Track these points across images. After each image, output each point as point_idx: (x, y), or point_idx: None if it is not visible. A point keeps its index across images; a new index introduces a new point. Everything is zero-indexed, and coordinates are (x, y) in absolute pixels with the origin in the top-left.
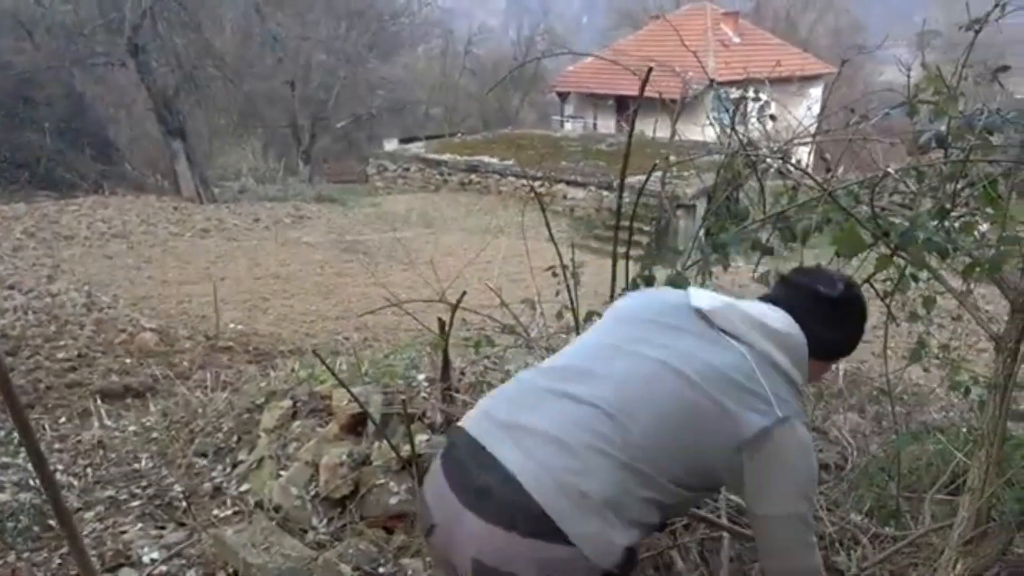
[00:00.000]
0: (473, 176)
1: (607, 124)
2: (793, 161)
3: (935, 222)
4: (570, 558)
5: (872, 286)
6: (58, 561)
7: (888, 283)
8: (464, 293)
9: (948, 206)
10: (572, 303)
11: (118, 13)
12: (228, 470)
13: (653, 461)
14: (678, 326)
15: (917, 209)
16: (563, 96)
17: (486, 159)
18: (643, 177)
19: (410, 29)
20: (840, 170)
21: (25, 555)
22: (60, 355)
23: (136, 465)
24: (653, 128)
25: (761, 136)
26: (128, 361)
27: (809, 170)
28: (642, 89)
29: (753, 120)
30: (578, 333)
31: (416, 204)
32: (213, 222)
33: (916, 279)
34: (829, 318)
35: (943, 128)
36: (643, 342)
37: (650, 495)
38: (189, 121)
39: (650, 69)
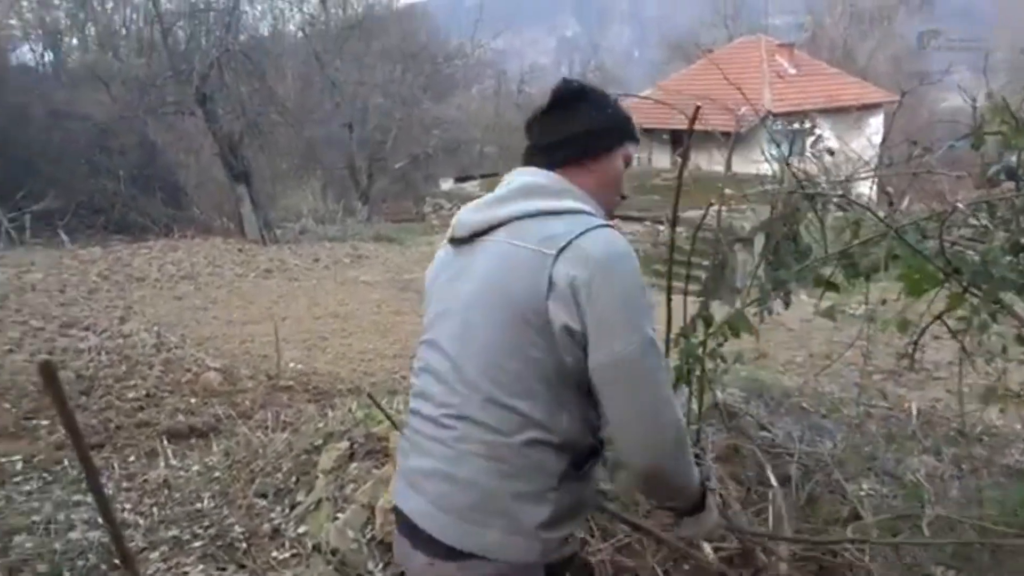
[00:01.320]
0: None
1: (662, 159)
2: (854, 195)
3: (1009, 257)
4: (496, 571)
5: (946, 324)
6: None
7: (962, 321)
8: None
9: (1022, 241)
10: None
11: (188, 65)
12: (287, 511)
13: (503, 392)
14: (455, 275)
15: (989, 244)
16: None
17: None
18: (699, 212)
19: (463, 70)
20: (904, 203)
21: None
22: (130, 395)
23: (199, 505)
24: (709, 162)
25: (820, 169)
26: (193, 401)
27: (871, 204)
28: (690, 127)
29: (810, 153)
30: None
31: None
32: (275, 263)
33: (995, 318)
34: (555, 120)
35: (1013, 160)
36: (446, 313)
37: (530, 437)
38: (253, 165)
39: (698, 107)
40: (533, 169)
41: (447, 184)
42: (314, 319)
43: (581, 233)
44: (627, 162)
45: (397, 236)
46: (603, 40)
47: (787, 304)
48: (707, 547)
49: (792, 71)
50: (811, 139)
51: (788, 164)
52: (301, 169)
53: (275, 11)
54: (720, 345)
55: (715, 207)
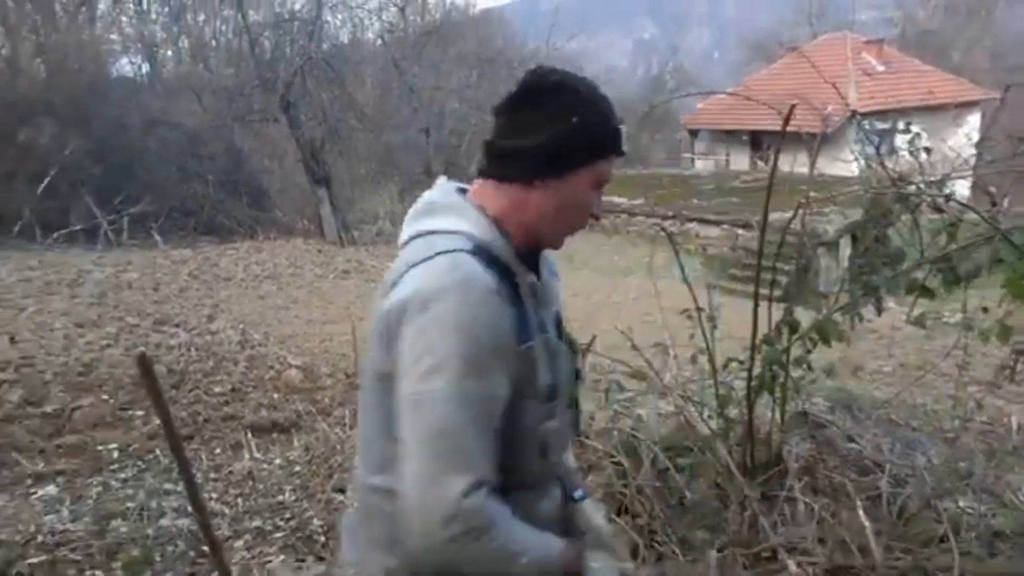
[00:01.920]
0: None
1: (740, 161)
2: (950, 194)
3: None
4: None
5: None
6: None
7: None
8: (595, 337)
9: None
10: (708, 347)
11: (273, 73)
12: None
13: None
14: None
15: None
16: (694, 133)
17: (614, 199)
18: (780, 215)
19: None
20: (1006, 203)
21: None
22: (217, 389)
23: (280, 497)
24: (792, 164)
25: (913, 169)
26: (275, 396)
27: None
28: (784, 126)
29: (904, 152)
30: (715, 379)
31: None
32: (353, 264)
33: None
34: (516, 121)
35: None
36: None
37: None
38: (333, 170)
39: (793, 106)
40: (441, 182)
41: None
42: None
43: (417, 263)
44: (600, 182)
45: None
46: (681, 42)
47: (879, 311)
48: None
49: (880, 68)
50: (908, 137)
51: (883, 164)
52: (379, 173)
53: (355, 20)
54: (808, 352)
55: (797, 209)
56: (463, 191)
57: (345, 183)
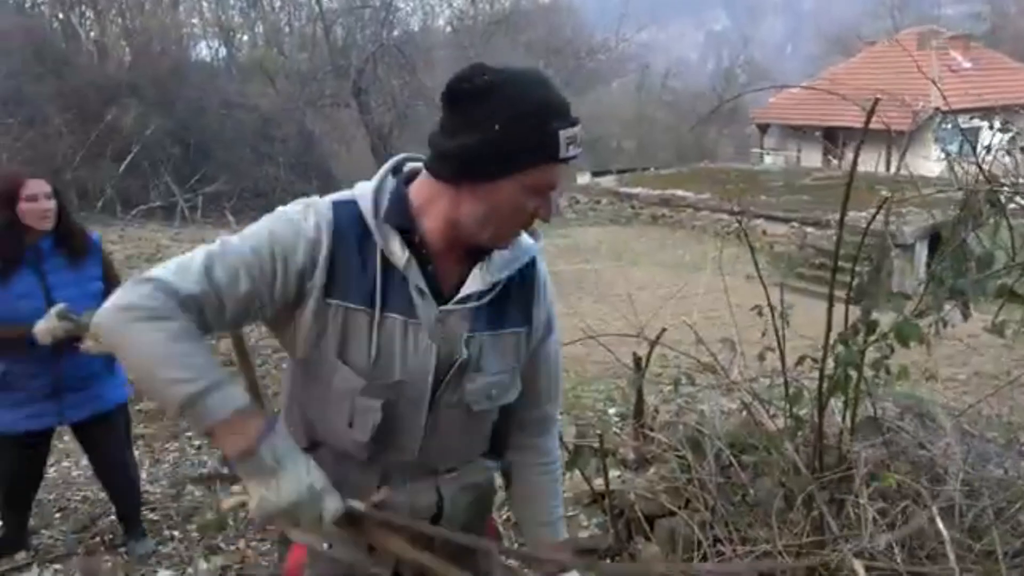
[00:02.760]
0: (665, 210)
1: (812, 157)
2: None
3: None
4: None
5: None
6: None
7: None
8: (664, 330)
9: None
10: (779, 345)
11: (345, 60)
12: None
13: None
14: None
15: None
16: (764, 128)
17: (680, 192)
18: (854, 214)
19: (606, 65)
20: None
21: (253, 544)
22: (285, 365)
23: None
24: (876, 162)
25: (1006, 170)
26: None
27: None
28: (868, 122)
29: (996, 152)
30: (784, 377)
31: (607, 236)
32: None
33: None
34: (447, 122)
35: None
36: None
37: None
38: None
39: (876, 100)
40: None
41: (584, 178)
42: None
43: None
44: (538, 189)
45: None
46: (755, 34)
47: (966, 316)
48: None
49: (967, 65)
50: (1007, 136)
51: (979, 165)
52: None
53: (425, 7)
54: (886, 357)
55: (870, 209)
56: (408, 177)
57: None
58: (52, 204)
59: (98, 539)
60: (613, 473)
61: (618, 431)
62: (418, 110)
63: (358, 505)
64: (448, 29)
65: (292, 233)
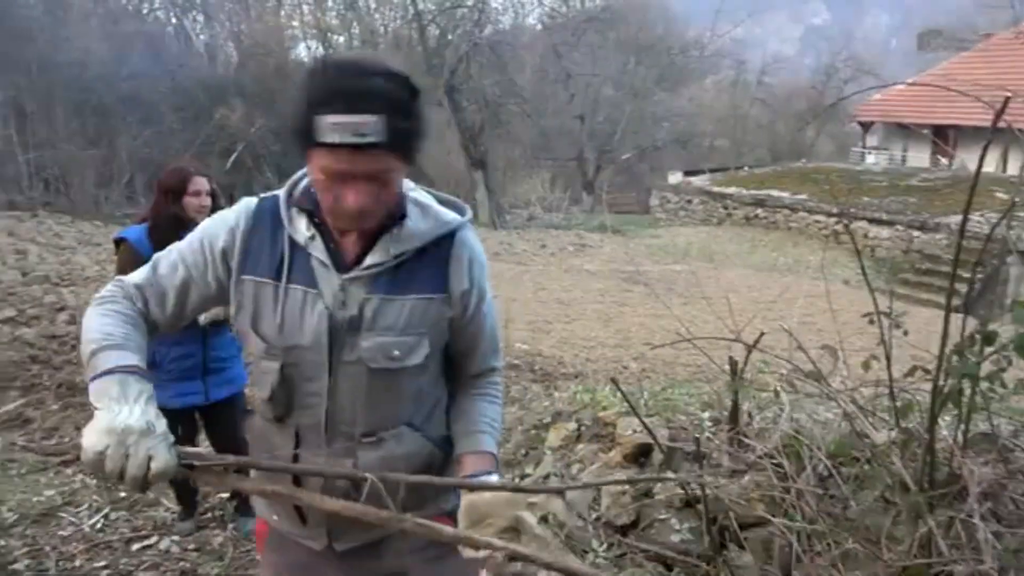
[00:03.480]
0: (759, 210)
1: (919, 156)
2: None
3: None
4: None
5: None
6: None
7: None
8: (762, 334)
9: None
10: (887, 354)
11: (439, 59)
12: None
13: None
14: None
15: None
16: (866, 126)
17: (775, 193)
18: (957, 218)
19: (699, 61)
20: None
21: None
22: None
23: None
24: (997, 163)
25: None
26: None
27: None
28: (996, 119)
29: None
30: (891, 388)
31: (698, 237)
32: (504, 246)
33: None
34: None
35: None
36: None
37: None
38: (489, 154)
39: (1007, 99)
40: None
41: (675, 177)
42: (539, 303)
43: None
44: (323, 172)
45: (622, 227)
46: (857, 29)
47: None
48: None
49: None
50: None
51: None
52: (532, 158)
53: (516, 5)
54: (1002, 370)
55: (988, 212)
56: None
57: (499, 167)
58: (209, 200)
59: (209, 515)
60: (707, 478)
61: (711, 435)
62: (508, 108)
63: (198, 451)
64: (539, 27)
65: (218, 224)
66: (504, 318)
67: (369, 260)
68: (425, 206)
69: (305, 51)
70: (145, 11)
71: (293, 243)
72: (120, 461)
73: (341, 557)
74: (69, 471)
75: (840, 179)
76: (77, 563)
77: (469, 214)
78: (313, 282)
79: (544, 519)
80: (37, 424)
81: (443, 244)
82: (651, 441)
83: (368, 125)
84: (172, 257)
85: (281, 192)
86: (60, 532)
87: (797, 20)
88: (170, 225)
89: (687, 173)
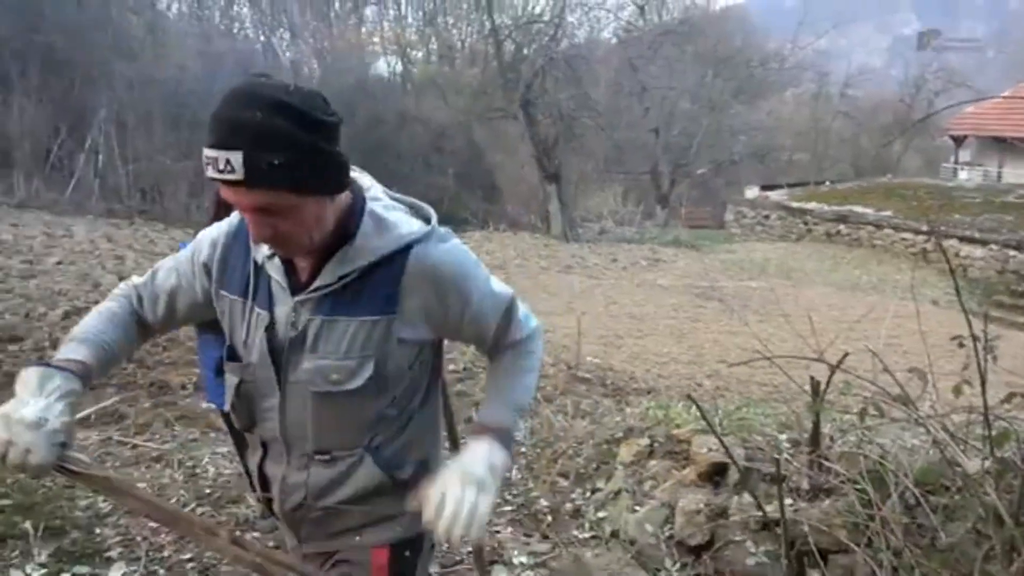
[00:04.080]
0: (842, 227)
1: (1016, 172)
2: None
3: None
4: None
5: None
6: (445, 546)
7: None
8: (847, 354)
9: None
10: (982, 379)
11: (514, 73)
12: (587, 495)
13: None
14: None
15: None
16: (958, 140)
17: (858, 209)
18: None
19: (779, 73)
20: None
21: None
22: (451, 367)
23: (507, 474)
24: None
25: None
26: None
27: None
28: None
29: None
30: (986, 415)
31: (775, 253)
32: (576, 259)
33: None
34: None
35: None
36: None
37: None
38: (563, 167)
39: None
40: None
41: (752, 192)
42: (610, 317)
43: None
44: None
45: (695, 242)
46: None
47: None
48: None
49: None
50: None
51: None
52: (605, 172)
53: (591, 19)
54: None
55: None
56: None
57: (572, 180)
58: None
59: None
60: (786, 501)
61: (789, 457)
62: (582, 121)
63: (81, 458)
64: (614, 40)
65: (205, 236)
66: (576, 331)
67: (317, 282)
68: (382, 220)
69: (384, 67)
70: (236, 30)
71: (256, 263)
72: (2, 448)
73: (306, 558)
74: (159, 466)
75: (930, 195)
76: (165, 553)
77: (433, 222)
78: (269, 303)
79: (615, 533)
80: (131, 420)
81: (397, 259)
82: (727, 460)
83: (229, 162)
84: (169, 264)
85: None
86: (150, 524)
87: (884, 30)
88: None
89: (764, 188)
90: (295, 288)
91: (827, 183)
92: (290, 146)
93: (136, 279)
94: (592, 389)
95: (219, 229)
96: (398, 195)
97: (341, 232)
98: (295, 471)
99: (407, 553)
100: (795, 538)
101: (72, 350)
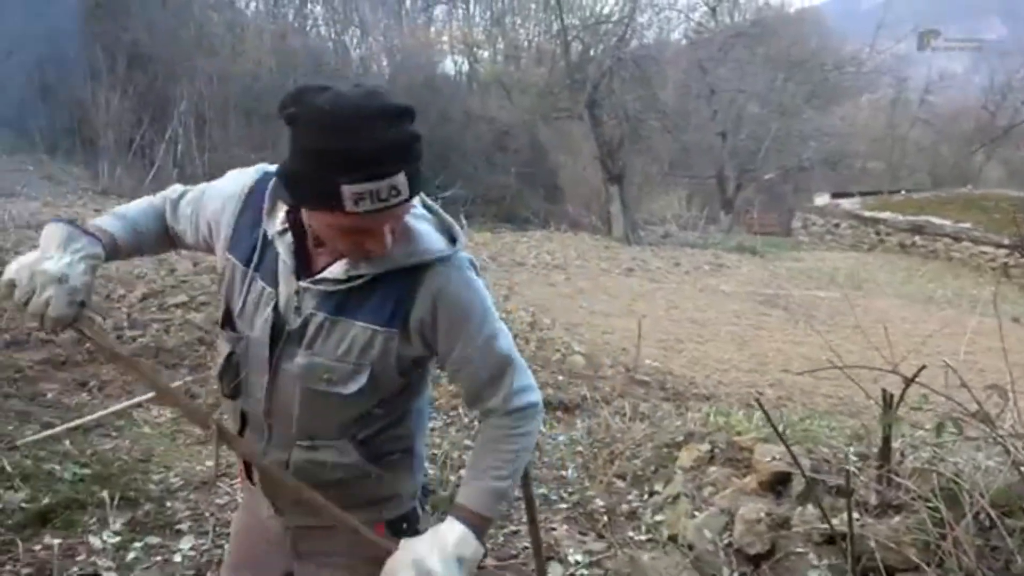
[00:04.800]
0: (917, 238)
1: None
2: None
3: None
4: None
5: None
6: (501, 540)
7: None
8: (923, 367)
9: None
10: None
11: (581, 74)
12: (645, 497)
13: None
14: None
15: None
16: None
17: (935, 220)
18: None
19: (855, 78)
20: None
21: None
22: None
23: (563, 472)
24: None
25: None
26: (560, 378)
27: None
28: None
29: None
30: None
31: (844, 263)
32: (637, 262)
33: None
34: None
35: None
36: None
37: None
38: (626, 169)
39: None
40: None
41: (822, 199)
42: (671, 321)
43: None
44: (345, 231)
45: (761, 249)
46: None
47: None
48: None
49: None
50: None
51: None
52: (670, 175)
53: (661, 20)
54: None
55: None
56: None
57: (635, 182)
58: None
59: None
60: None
61: (857, 471)
62: (648, 123)
63: (95, 317)
64: (684, 41)
65: (223, 183)
66: (635, 334)
67: (325, 273)
68: (408, 230)
69: (452, 65)
70: (308, 27)
71: (266, 235)
72: (24, 296)
73: (287, 531)
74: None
75: (1014, 207)
76: (231, 529)
77: (457, 243)
78: (274, 280)
79: (673, 537)
80: (202, 400)
81: (414, 273)
82: (789, 470)
83: (394, 188)
84: (195, 191)
85: (276, 175)
86: (217, 500)
87: (969, 35)
88: None
89: (835, 195)
90: (300, 272)
91: (902, 192)
92: (422, 149)
93: (181, 191)
94: (651, 392)
95: (239, 186)
96: (431, 203)
97: None
98: (276, 449)
99: (404, 526)
100: (861, 553)
101: (106, 223)
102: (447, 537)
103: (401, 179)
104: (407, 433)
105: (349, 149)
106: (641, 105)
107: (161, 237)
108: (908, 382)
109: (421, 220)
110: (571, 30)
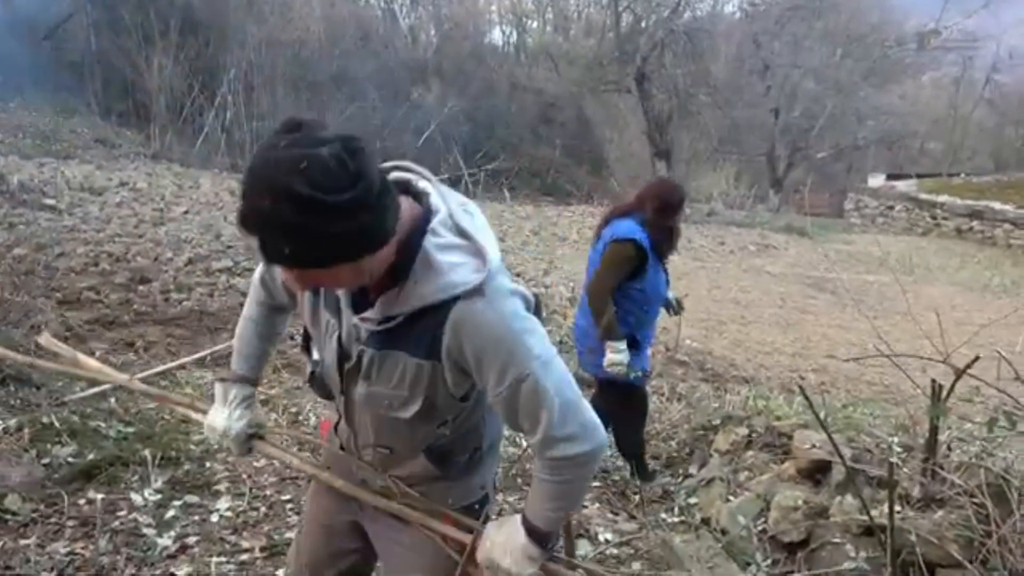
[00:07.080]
0: (975, 223)
1: None
2: None
3: None
4: None
5: None
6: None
7: None
8: (976, 358)
9: None
10: None
11: (631, 46)
12: (679, 479)
13: None
14: None
15: None
16: None
17: (996, 205)
18: None
19: (917, 55)
20: None
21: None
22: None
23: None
24: None
25: None
26: None
27: None
28: None
29: None
30: None
31: (897, 247)
32: (682, 240)
33: None
34: None
35: None
36: None
37: None
38: (675, 144)
39: None
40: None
41: (877, 180)
42: (714, 302)
43: None
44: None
45: (810, 230)
46: None
47: None
48: None
49: None
50: None
51: None
52: (718, 151)
53: None
54: None
55: None
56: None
57: (683, 159)
58: None
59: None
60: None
61: (900, 462)
62: (699, 98)
63: (260, 441)
64: (738, 14)
65: None
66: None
67: (369, 313)
68: (433, 264)
69: (500, 35)
70: None
71: None
72: (216, 445)
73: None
74: (265, 409)
75: None
76: (268, 492)
77: (488, 268)
78: (337, 311)
79: (706, 521)
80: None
81: (442, 308)
82: (829, 458)
83: (257, 246)
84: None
85: None
86: (255, 463)
87: None
88: (667, 236)
89: (891, 176)
90: (357, 304)
91: (962, 175)
92: (299, 234)
93: (257, 272)
94: (690, 373)
95: None
96: (465, 227)
97: (395, 271)
98: (360, 447)
99: (476, 507)
100: (901, 547)
101: (235, 364)
102: (515, 540)
103: (254, 241)
104: (478, 437)
105: (241, 190)
106: (692, 79)
107: (273, 336)
108: (959, 373)
109: (451, 251)
110: (622, 1)
